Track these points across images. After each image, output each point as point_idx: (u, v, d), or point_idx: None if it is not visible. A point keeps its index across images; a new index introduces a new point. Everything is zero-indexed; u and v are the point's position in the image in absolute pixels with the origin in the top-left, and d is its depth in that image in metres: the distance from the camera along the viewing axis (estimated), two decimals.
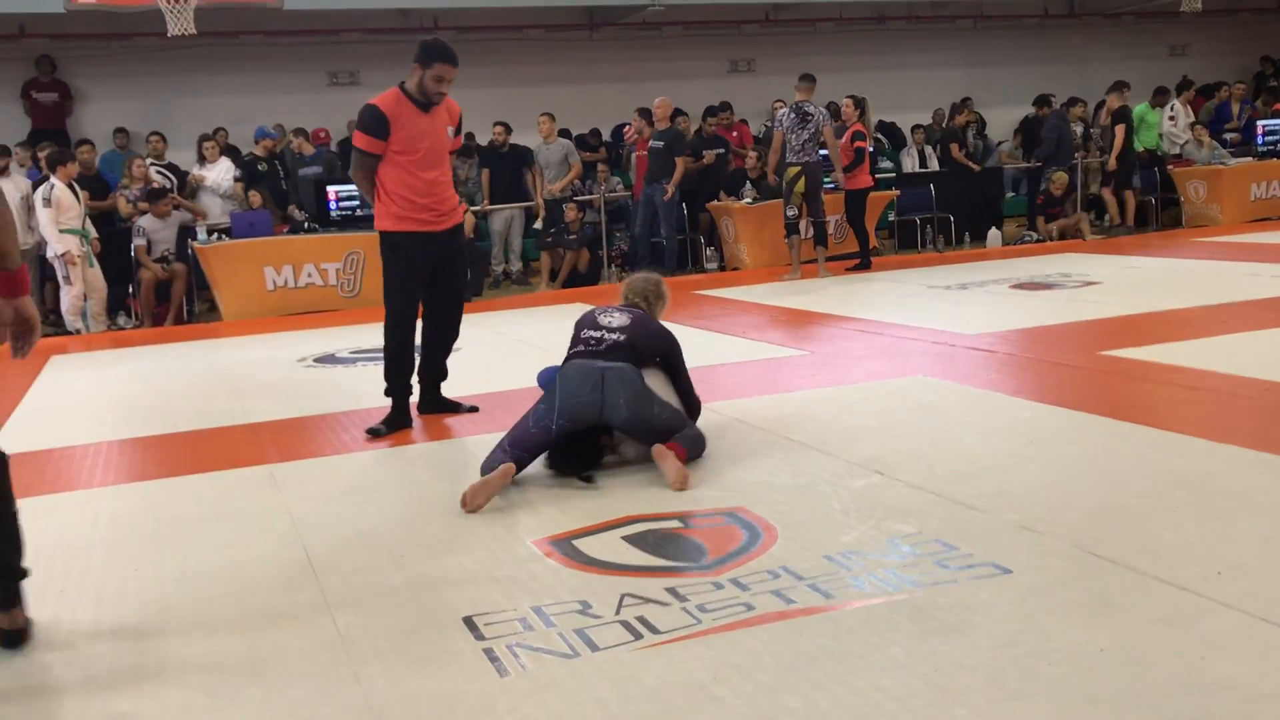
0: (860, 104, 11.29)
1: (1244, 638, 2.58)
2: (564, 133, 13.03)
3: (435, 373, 5.49)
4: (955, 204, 13.44)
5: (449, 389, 5.56)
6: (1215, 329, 6.48)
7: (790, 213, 10.46)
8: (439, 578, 3.30)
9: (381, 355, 5.33)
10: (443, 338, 5.45)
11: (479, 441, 4.93)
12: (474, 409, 5.49)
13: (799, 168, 10.28)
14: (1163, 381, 5.29)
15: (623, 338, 4.38)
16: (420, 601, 3.12)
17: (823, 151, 10.48)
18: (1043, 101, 14.16)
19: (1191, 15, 16.00)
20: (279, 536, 3.78)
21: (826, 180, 10.80)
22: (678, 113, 12.76)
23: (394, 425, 5.21)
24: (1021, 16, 17.00)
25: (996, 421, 4.72)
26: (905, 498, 3.75)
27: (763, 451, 4.39)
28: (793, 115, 10.31)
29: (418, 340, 5.36)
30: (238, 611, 3.14)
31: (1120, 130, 12.76)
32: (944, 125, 14.64)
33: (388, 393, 5.28)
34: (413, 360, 5.34)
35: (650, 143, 11.64)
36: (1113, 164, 12.97)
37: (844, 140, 10.87)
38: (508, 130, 12.68)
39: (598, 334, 4.42)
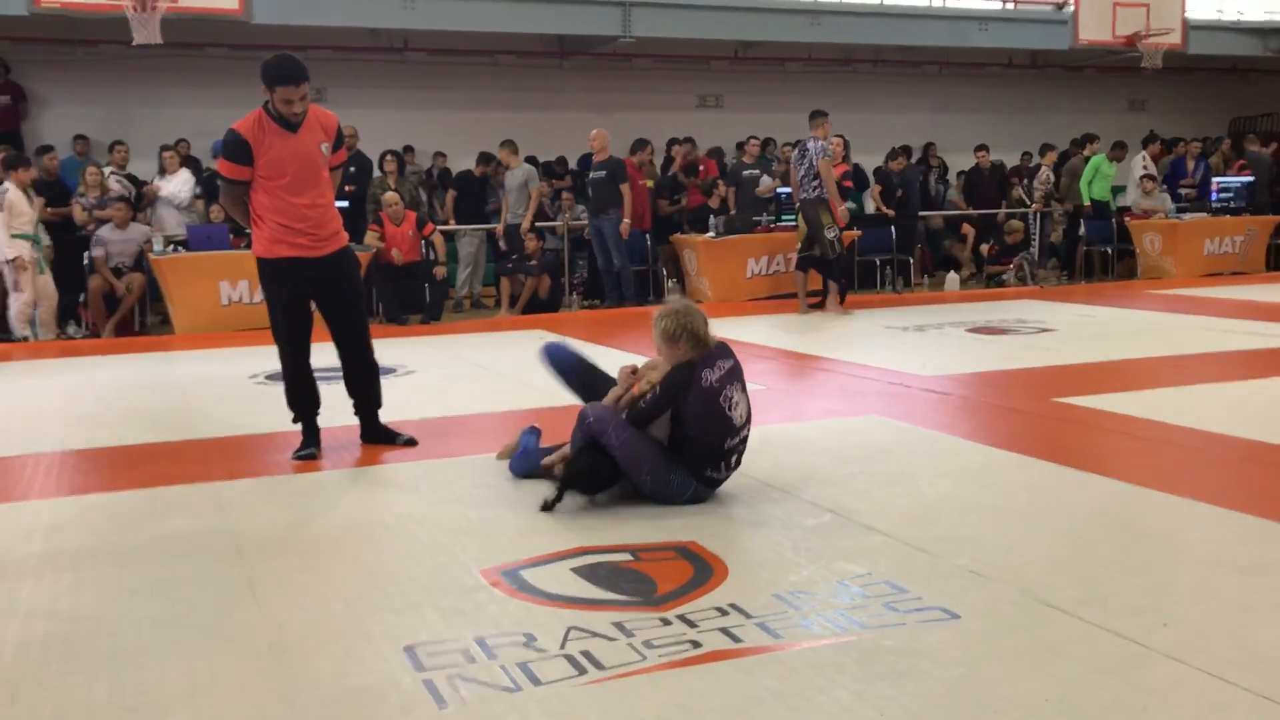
0: (846, 144, 11.47)
1: (1186, 691, 2.58)
2: (530, 159, 13.04)
3: (364, 401, 5.30)
4: (914, 246, 13.57)
5: (401, 411, 5.47)
6: (1168, 380, 6.55)
7: (799, 248, 10.56)
8: (381, 605, 3.23)
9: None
10: (355, 367, 5.23)
11: (429, 466, 4.88)
12: (411, 441, 5.27)
13: (799, 205, 10.41)
14: (1115, 431, 5.33)
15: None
16: (361, 629, 3.05)
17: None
18: (900, 152, 14.11)
19: (1151, 71, 16.32)
20: (218, 556, 3.70)
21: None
22: (648, 145, 12.83)
23: (309, 445, 5.11)
24: (985, 64, 17.26)
25: (949, 465, 4.73)
26: (856, 538, 3.74)
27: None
28: (796, 153, 10.41)
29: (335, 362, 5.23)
30: (174, 633, 3.06)
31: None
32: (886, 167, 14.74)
33: (294, 420, 5.17)
34: (309, 385, 5.14)
35: (591, 174, 11.64)
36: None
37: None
38: (485, 161, 12.76)
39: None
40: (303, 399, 5.15)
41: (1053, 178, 14.43)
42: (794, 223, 11.96)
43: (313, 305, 5.12)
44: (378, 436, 5.33)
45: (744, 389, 4.21)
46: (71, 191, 11.32)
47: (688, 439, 4.11)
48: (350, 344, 5.21)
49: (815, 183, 10.20)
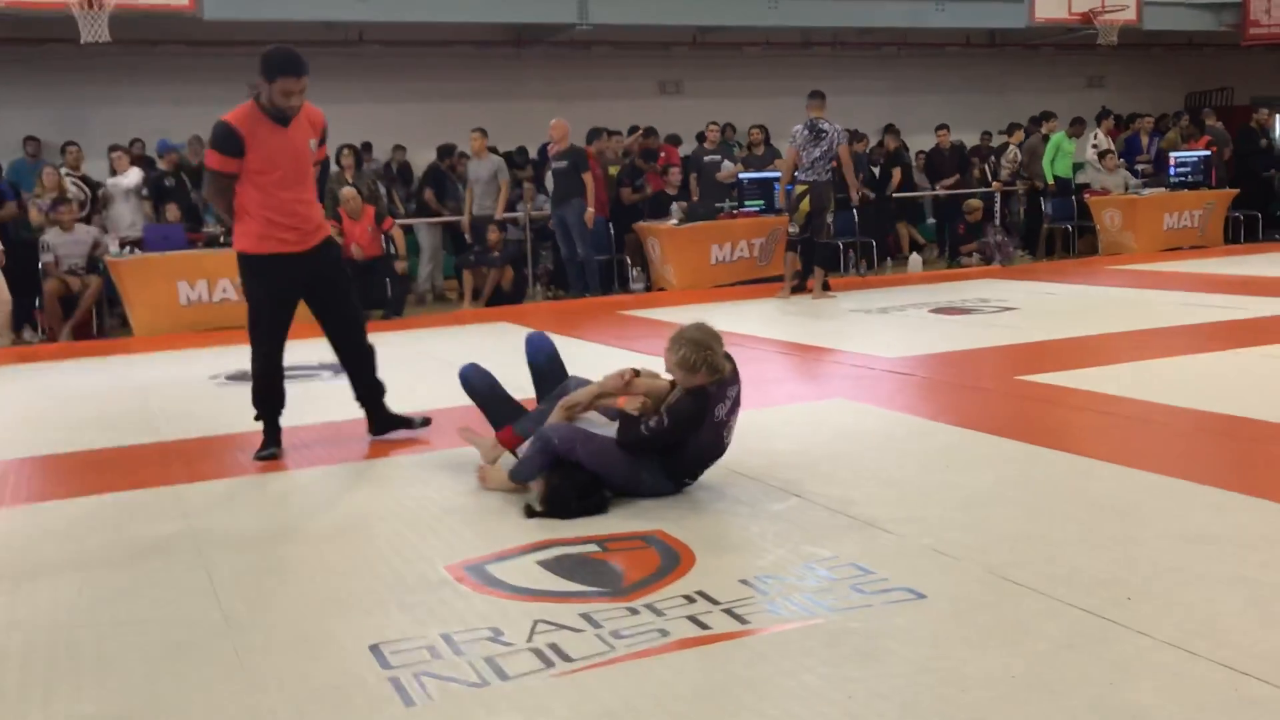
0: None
1: (1151, 663, 2.60)
2: (490, 149, 12.96)
3: (369, 393, 5.26)
4: (877, 229, 13.60)
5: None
6: (1129, 355, 6.61)
7: (792, 229, 10.38)
8: (347, 602, 3.20)
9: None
10: (356, 358, 5.21)
11: (392, 463, 4.85)
12: (426, 421, 5.31)
13: (806, 186, 10.13)
14: (1077, 407, 5.36)
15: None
16: (325, 628, 3.02)
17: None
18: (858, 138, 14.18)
19: (1108, 48, 16.43)
20: (182, 560, 3.65)
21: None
22: (604, 133, 12.77)
23: (271, 445, 5.04)
24: (944, 45, 17.32)
25: (914, 446, 4.75)
26: (822, 521, 3.74)
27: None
28: (806, 132, 10.08)
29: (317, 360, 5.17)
30: (136, 638, 3.02)
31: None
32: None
33: (257, 418, 5.08)
34: (279, 384, 5.05)
35: (553, 164, 11.55)
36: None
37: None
38: (448, 154, 12.71)
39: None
40: (270, 398, 5.07)
41: (1019, 156, 14.50)
42: (759, 208, 11.99)
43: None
44: (390, 424, 5.28)
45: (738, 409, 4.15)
46: (8, 195, 11.10)
47: (675, 451, 4.05)
48: (346, 334, 5.17)
49: (829, 165, 10.13)
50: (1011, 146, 14.57)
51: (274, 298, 4.94)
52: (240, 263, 4.97)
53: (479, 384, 4.61)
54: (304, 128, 4.91)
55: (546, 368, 4.58)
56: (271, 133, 4.79)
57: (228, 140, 4.74)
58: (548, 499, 3.93)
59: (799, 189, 10.21)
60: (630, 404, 4.09)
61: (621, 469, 4.01)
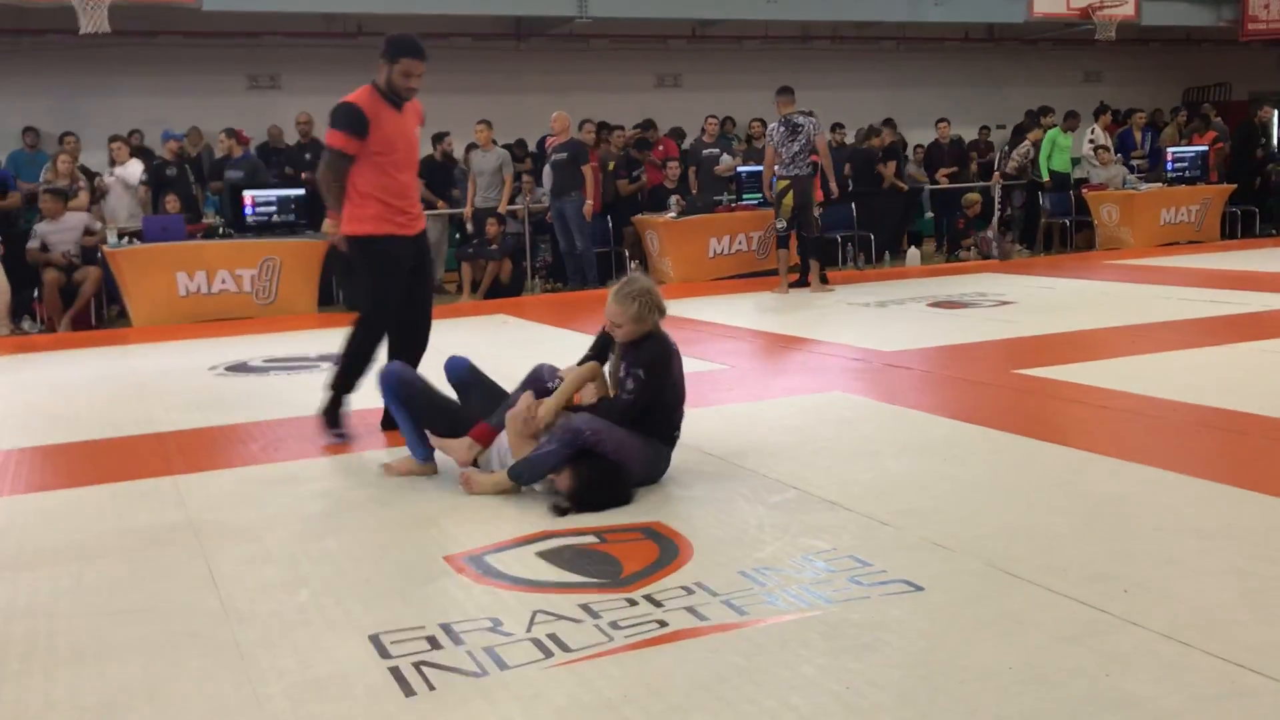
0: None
1: (1148, 655, 2.61)
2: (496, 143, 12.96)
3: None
4: (874, 223, 13.59)
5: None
6: (1126, 349, 6.62)
7: (780, 226, 10.36)
8: (345, 593, 3.21)
9: (344, 359, 4.99)
10: (414, 347, 5.13)
11: (391, 454, 4.85)
12: None
13: (788, 181, 10.12)
14: (1074, 400, 5.38)
15: None
16: (325, 618, 3.04)
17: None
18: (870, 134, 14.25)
19: (1106, 43, 16.44)
20: (182, 550, 3.67)
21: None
22: (605, 127, 12.77)
23: (340, 424, 5.03)
24: (942, 39, 17.33)
25: (911, 439, 4.76)
26: (820, 514, 3.76)
27: (680, 466, 4.36)
28: (782, 128, 10.09)
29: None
30: (136, 628, 3.03)
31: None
32: (865, 145, 14.80)
33: (335, 387, 4.99)
34: (369, 365, 5.03)
35: (552, 156, 11.54)
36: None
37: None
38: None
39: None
40: (360, 375, 5.05)
41: (1033, 152, 14.44)
42: (757, 201, 11.98)
43: None
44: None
45: None
46: (10, 185, 11.09)
47: (656, 407, 4.09)
48: (418, 321, 5.18)
49: (809, 158, 10.14)
50: (1026, 142, 14.49)
51: (388, 277, 4.99)
52: (353, 245, 5.00)
53: (412, 384, 4.36)
54: (412, 115, 5.03)
55: (470, 379, 4.47)
56: (389, 115, 4.88)
57: (354, 120, 4.79)
58: (580, 492, 3.86)
59: (781, 184, 10.23)
60: (586, 395, 4.13)
61: (640, 452, 4.04)
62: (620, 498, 3.92)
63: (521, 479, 4.06)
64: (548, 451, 3.96)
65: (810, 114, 10.20)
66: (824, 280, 10.52)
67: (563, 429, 3.97)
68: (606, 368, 4.24)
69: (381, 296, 5.01)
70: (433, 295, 5.32)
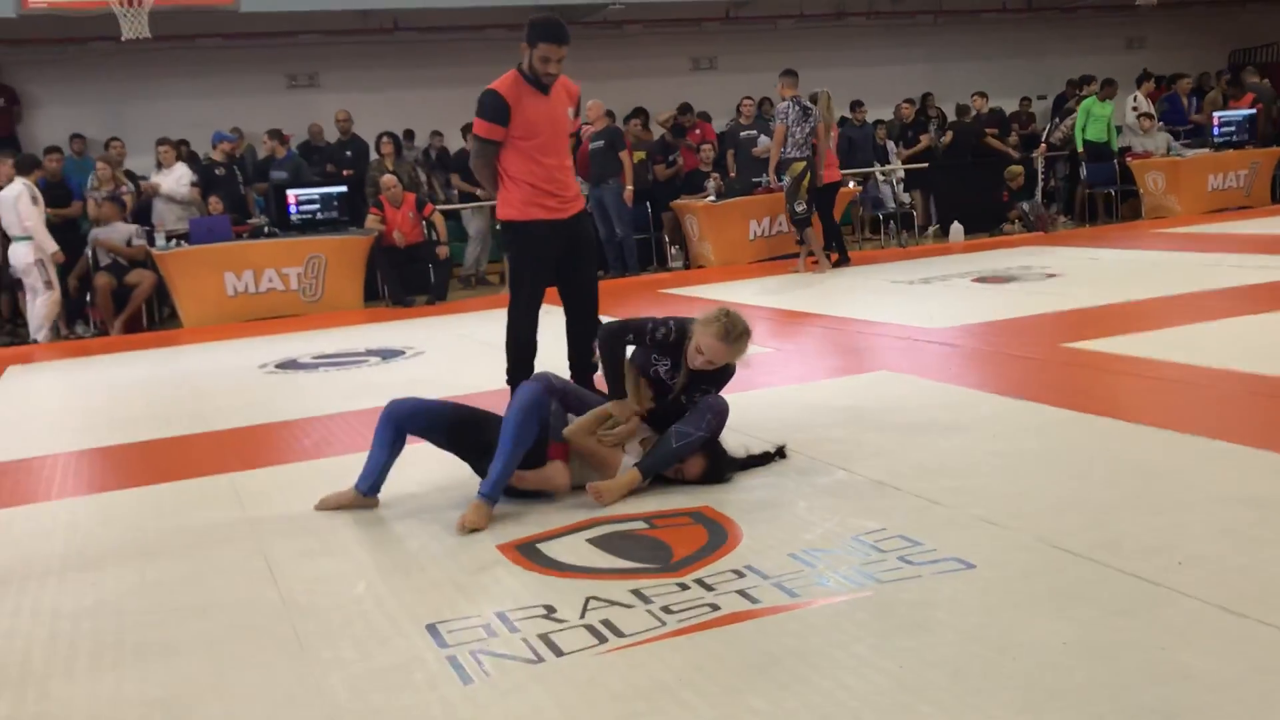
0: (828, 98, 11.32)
1: (1203, 628, 2.59)
2: None
3: (585, 366, 5.21)
4: (985, 193, 13.44)
5: (414, 391, 5.47)
6: (1175, 319, 6.54)
7: (799, 208, 10.34)
8: (401, 584, 3.27)
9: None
10: (583, 327, 5.15)
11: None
12: None
13: (804, 162, 10.15)
14: (1123, 373, 5.33)
15: None
16: (383, 609, 3.09)
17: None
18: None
19: (1147, 8, 16.16)
20: (240, 546, 3.74)
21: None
22: (641, 112, 12.77)
23: None
24: (980, 11, 17.12)
25: (960, 416, 4.74)
26: (870, 494, 3.76)
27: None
28: (796, 109, 10.16)
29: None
30: (198, 624, 3.10)
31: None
32: (967, 120, 14.53)
33: (509, 378, 5.10)
34: (535, 350, 5.12)
35: (590, 144, 11.55)
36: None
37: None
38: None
39: None
40: (527, 359, 5.12)
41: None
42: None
43: None
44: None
45: None
46: (74, 192, 11.32)
47: None
48: (584, 302, 5.19)
49: (812, 141, 10.16)
50: (1076, 111, 14.26)
51: (537, 262, 5.04)
52: (504, 230, 5.13)
53: (433, 420, 4.05)
54: (562, 97, 5.06)
55: (427, 424, 4.06)
56: (534, 100, 4.91)
57: (494, 107, 4.86)
58: (716, 469, 4.01)
59: (798, 166, 10.22)
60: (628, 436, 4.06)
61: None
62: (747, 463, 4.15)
63: (653, 470, 3.99)
64: (696, 438, 3.95)
65: (814, 100, 10.24)
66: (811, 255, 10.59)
67: (700, 410, 3.99)
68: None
69: (521, 279, 5.07)
70: (595, 280, 5.25)
